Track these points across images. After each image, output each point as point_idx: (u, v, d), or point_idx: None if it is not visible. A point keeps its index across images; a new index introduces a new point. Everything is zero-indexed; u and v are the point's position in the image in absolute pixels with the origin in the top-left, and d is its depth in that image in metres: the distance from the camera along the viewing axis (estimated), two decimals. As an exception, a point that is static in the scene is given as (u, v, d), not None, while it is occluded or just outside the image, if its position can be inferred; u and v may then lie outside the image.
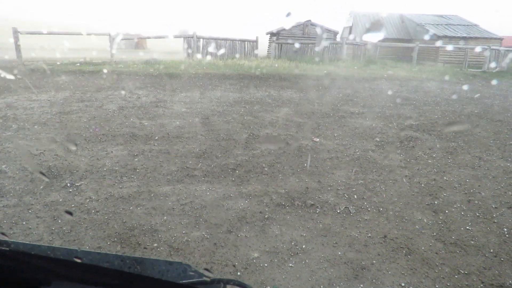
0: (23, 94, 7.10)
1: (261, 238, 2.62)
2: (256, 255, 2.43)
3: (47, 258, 0.56)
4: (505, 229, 2.87)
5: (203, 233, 2.66)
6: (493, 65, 16.29)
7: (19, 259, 0.53)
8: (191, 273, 0.61)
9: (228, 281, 0.60)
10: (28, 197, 3.06)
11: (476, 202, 3.33)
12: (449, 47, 19.41)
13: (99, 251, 0.63)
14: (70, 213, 2.92)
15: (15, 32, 11.26)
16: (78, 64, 11.47)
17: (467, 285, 2.22)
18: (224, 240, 2.58)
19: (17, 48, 11.28)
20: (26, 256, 0.55)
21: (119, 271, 0.58)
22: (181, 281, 0.59)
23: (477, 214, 3.10)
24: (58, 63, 11.63)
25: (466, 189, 3.61)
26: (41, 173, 3.45)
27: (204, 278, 0.59)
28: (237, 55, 15.06)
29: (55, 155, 4.03)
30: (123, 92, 7.71)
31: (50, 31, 12.75)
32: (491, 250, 2.58)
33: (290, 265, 2.34)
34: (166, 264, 0.62)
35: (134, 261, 0.61)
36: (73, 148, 4.27)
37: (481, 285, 2.22)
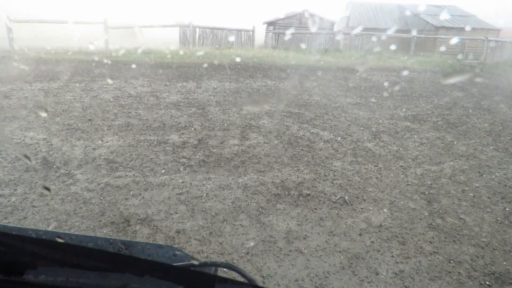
0: (16, 83, 7.01)
1: (257, 227, 2.64)
2: (252, 244, 2.44)
3: (32, 240, 0.55)
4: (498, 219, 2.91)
5: (200, 222, 2.67)
6: (490, 56, 16.29)
7: (2, 242, 0.52)
8: (182, 256, 0.61)
9: (219, 264, 0.60)
10: (23, 186, 3.05)
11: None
12: (447, 38, 19.35)
13: (86, 234, 0.62)
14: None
15: (7, 20, 11.07)
16: (71, 54, 11.32)
17: (459, 273, 2.25)
18: (220, 229, 2.59)
19: (10, 37, 11.10)
20: (10, 238, 0.53)
21: (110, 253, 0.58)
22: (173, 264, 0.59)
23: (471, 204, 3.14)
24: (52, 52, 11.47)
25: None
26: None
27: (196, 261, 0.59)
28: (234, 45, 14.93)
29: (50, 144, 4.00)
30: (118, 82, 7.64)
31: (43, 19, 12.55)
32: (484, 239, 2.62)
33: (286, 253, 2.36)
34: (156, 248, 0.62)
35: (123, 244, 0.61)
36: (68, 138, 4.24)
37: (474, 273, 2.26)
